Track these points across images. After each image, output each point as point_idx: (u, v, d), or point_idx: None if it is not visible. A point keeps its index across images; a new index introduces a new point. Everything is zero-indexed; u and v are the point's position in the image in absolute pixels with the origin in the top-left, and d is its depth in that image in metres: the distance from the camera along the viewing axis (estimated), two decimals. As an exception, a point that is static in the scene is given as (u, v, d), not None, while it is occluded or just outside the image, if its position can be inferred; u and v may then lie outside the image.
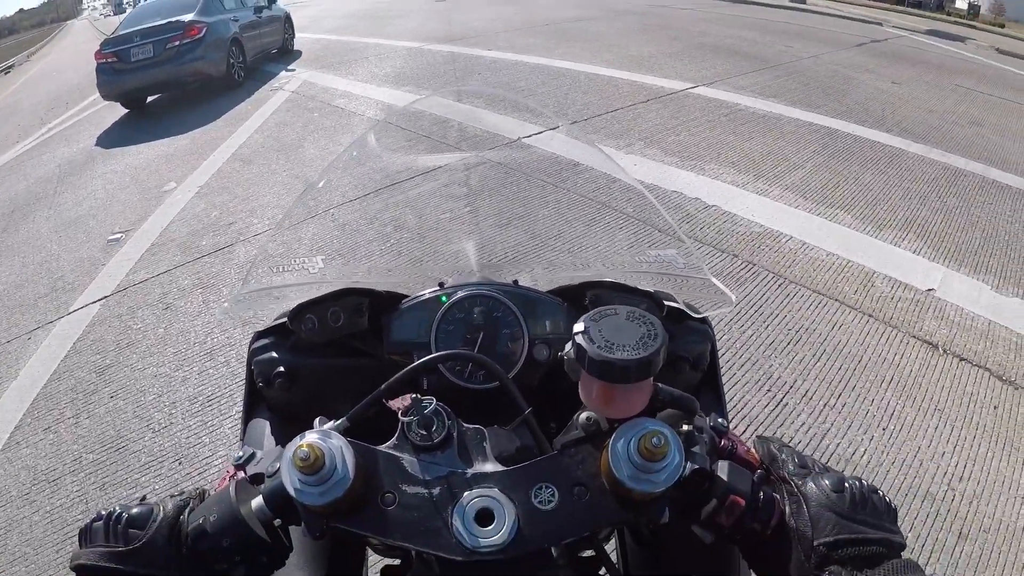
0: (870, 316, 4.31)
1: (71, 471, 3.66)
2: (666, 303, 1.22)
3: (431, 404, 0.91)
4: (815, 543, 0.79)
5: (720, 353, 3.77)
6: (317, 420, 0.91)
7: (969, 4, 69.11)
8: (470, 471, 0.87)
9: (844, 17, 24.23)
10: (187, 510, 0.89)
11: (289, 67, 14.77)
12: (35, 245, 7.07)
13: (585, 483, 0.84)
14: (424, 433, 0.89)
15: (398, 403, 0.95)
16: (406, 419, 0.91)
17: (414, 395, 0.93)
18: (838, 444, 3.27)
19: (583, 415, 0.92)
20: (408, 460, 0.88)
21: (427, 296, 1.26)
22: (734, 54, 12.80)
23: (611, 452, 0.82)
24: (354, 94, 11.06)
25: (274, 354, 1.28)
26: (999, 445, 3.36)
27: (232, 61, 13.32)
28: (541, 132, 7.72)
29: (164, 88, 13.21)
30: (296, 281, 1.39)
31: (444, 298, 1.24)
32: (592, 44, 14.39)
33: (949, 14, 55.85)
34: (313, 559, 1.10)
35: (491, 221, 1.67)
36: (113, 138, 11.54)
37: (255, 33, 14.94)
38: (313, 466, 0.79)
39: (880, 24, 22.62)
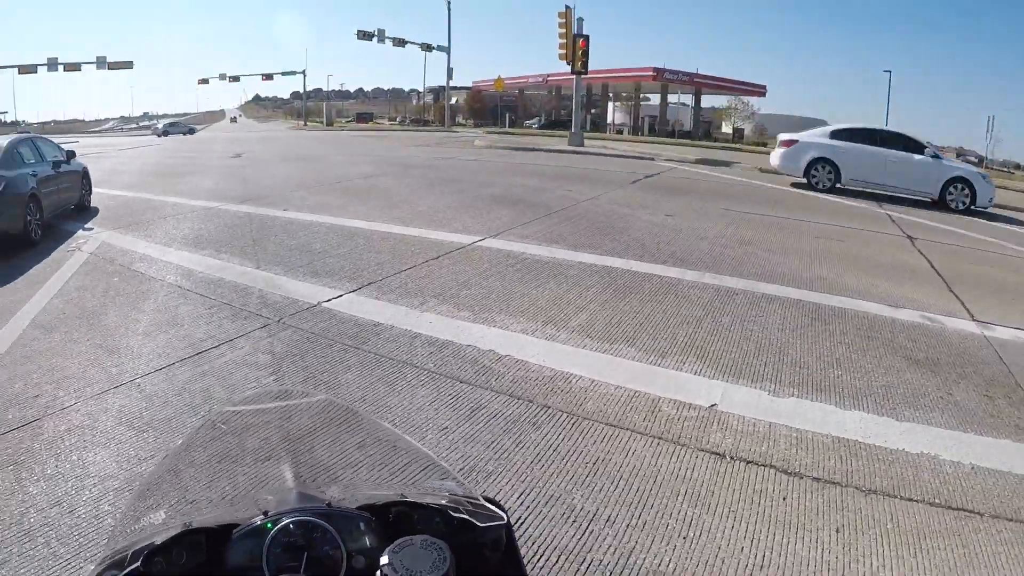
0: (659, 439, 4.65)
1: None
2: (454, 515, 1.37)
3: None
4: None
5: (525, 492, 4.03)
6: None
7: (733, 129, 74.69)
8: None
9: (619, 156, 25.80)
10: None
11: (87, 226, 14.23)
12: None
13: None
14: None
15: None
16: None
17: None
18: (644, 558, 3.49)
19: None
20: None
21: (254, 525, 1.35)
22: (518, 203, 13.52)
23: None
24: (153, 257, 10.87)
25: None
26: (793, 530, 3.70)
27: (29, 218, 12.69)
28: (340, 295, 7.97)
29: None
30: (143, 534, 1.46)
31: (269, 524, 1.34)
32: (383, 201, 14.89)
33: (716, 140, 60.11)
34: None
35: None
36: None
37: (53, 188, 14.41)
38: None
39: (652, 159, 24.07)
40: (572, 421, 4.98)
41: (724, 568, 3.44)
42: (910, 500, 4.09)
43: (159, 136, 78.17)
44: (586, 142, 33.74)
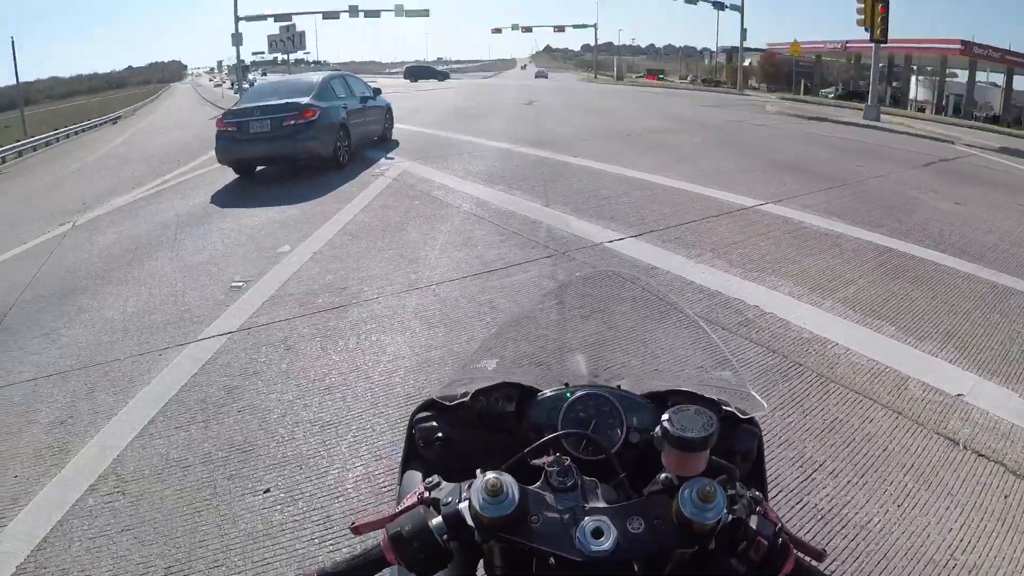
0: (899, 414, 4.80)
1: (201, 462, 4.36)
2: (723, 408, 1.59)
3: (567, 460, 1.30)
4: None
5: (762, 434, 4.38)
6: (479, 471, 1.23)
7: None
8: (588, 506, 1.23)
9: (916, 135, 24.22)
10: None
11: (389, 155, 15.88)
12: (161, 280, 8.03)
13: (662, 517, 1.19)
14: (560, 480, 1.26)
15: (539, 460, 1.34)
16: (549, 468, 1.28)
17: (556, 454, 1.34)
18: (855, 514, 3.76)
19: (662, 475, 1.28)
20: (548, 496, 1.24)
21: (556, 392, 1.67)
22: (804, 172, 13.42)
23: (680, 497, 1.17)
24: (450, 187, 11.94)
25: (434, 423, 1.67)
26: (1004, 527, 3.75)
27: (339, 144, 14.49)
28: (623, 239, 8.46)
29: (275, 161, 14.63)
30: (476, 376, 1.84)
31: (568, 394, 1.64)
32: (669, 157, 15.24)
33: None
34: (460, 565, 1.34)
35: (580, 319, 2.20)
36: (226, 199, 12.77)
37: (360, 120, 16.14)
38: (495, 490, 1.16)
39: (951, 142, 22.58)
40: (820, 381, 5.24)
41: (928, 541, 3.60)
42: None
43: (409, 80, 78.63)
44: (882, 117, 31.48)
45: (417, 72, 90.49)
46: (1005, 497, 4.03)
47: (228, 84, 73.31)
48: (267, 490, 4.05)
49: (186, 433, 4.72)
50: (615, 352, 2.16)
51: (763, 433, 1.65)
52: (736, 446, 1.57)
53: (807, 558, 1.23)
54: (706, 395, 1.62)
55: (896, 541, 3.60)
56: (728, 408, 1.60)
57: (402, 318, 6.38)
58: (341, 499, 3.93)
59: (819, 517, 3.75)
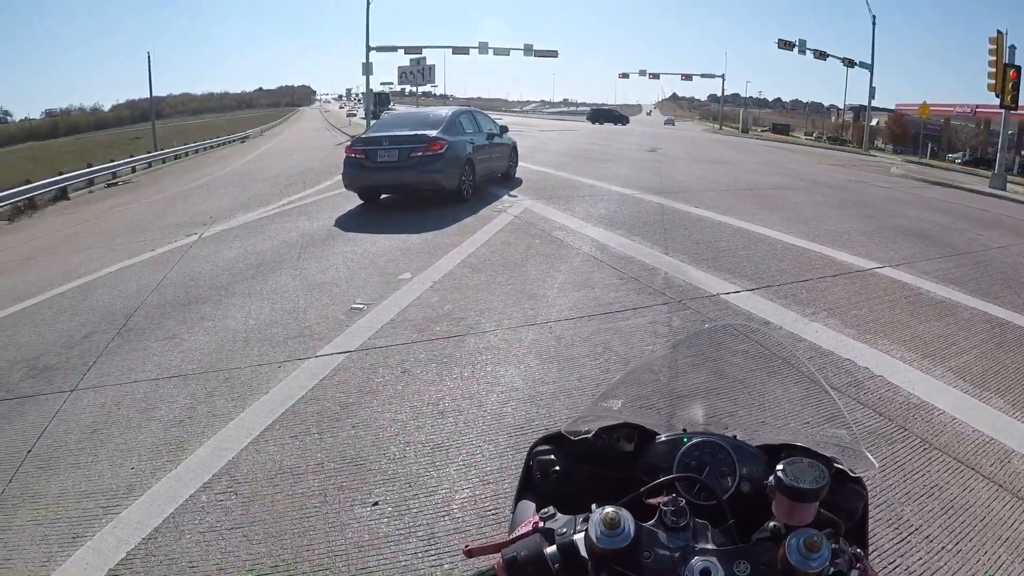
0: (1000, 486, 4.77)
1: (313, 471, 4.63)
2: (835, 465, 1.62)
3: (682, 502, 1.36)
4: None
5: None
6: (594, 505, 1.30)
7: None
8: (698, 546, 1.30)
9: (1043, 205, 23.56)
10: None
11: (512, 193, 16.20)
12: (283, 296, 8.47)
13: (768, 564, 1.24)
14: (674, 519, 1.32)
15: (655, 500, 1.41)
16: (664, 508, 1.34)
17: (673, 495, 1.41)
18: None
19: (771, 523, 1.34)
20: (661, 534, 1.30)
21: (674, 437, 1.75)
22: (924, 238, 13.16)
23: (787, 545, 1.21)
24: (571, 228, 12.17)
25: (552, 456, 1.75)
26: None
27: (464, 178, 14.89)
28: (739, 292, 8.56)
29: (401, 190, 15.13)
30: (601, 415, 1.94)
31: (686, 440, 1.71)
32: (791, 214, 15.14)
33: None
34: None
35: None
36: (349, 223, 13.30)
37: (486, 156, 16.52)
38: (613, 524, 1.22)
39: None
40: (923, 447, 5.25)
41: None
42: None
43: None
44: (1009, 186, 30.62)
45: (599, 115, 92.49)
46: (1102, 586, 4.01)
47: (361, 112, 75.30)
48: (376, 503, 4.29)
49: (300, 443, 5.03)
50: (727, 402, 2.30)
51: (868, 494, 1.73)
52: (842, 504, 1.61)
53: None
54: (818, 451, 1.67)
55: (987, 611, 3.62)
56: (839, 465, 1.65)
57: (517, 352, 6.60)
58: (447, 518, 4.14)
59: (911, 579, 3.80)
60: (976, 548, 4.13)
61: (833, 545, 1.27)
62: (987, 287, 10.01)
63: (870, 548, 3.93)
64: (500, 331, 7.10)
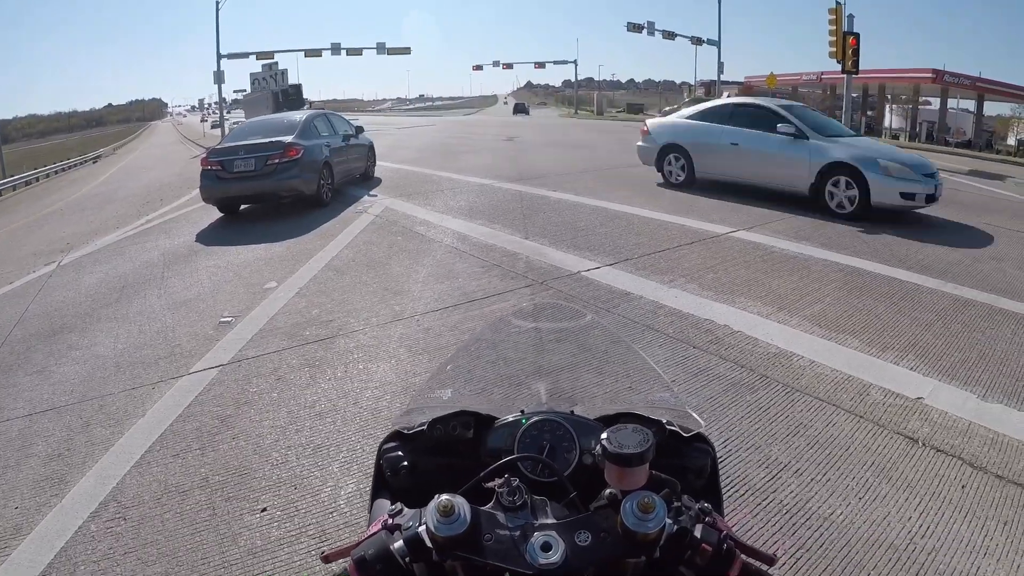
0: (861, 417, 5.08)
1: (199, 487, 4.53)
2: (668, 427, 1.71)
3: (516, 482, 1.37)
4: None
5: (730, 439, 4.64)
6: (437, 495, 1.29)
7: (1018, 141, 67.01)
8: (537, 522, 1.30)
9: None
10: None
11: (371, 192, 16.14)
12: (150, 317, 8.19)
13: (607, 530, 1.26)
14: (511, 500, 1.34)
15: (493, 484, 1.40)
16: (500, 490, 1.36)
17: (506, 475, 1.41)
18: (819, 507, 4.01)
19: (607, 491, 1.36)
20: (500, 515, 1.31)
21: (512, 419, 1.76)
22: (773, 201, 13.72)
23: (623, 509, 1.24)
24: (432, 223, 12.20)
25: (400, 453, 1.76)
26: (961, 514, 4.01)
27: (323, 182, 14.75)
28: (599, 267, 8.74)
29: (259, 199, 14.74)
30: (433, 404, 1.97)
31: (524, 420, 1.73)
32: (647, 189, 15.55)
33: (999, 152, 54.70)
34: None
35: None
36: (211, 237, 12.92)
37: (343, 159, 16.43)
38: (448, 511, 1.22)
39: None
40: (786, 391, 5.51)
41: (888, 529, 3.86)
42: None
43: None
44: None
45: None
46: (962, 487, 4.29)
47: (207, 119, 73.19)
48: (264, 509, 4.23)
49: (183, 460, 4.89)
50: (568, 380, 2.32)
51: (717, 449, 1.79)
52: (689, 463, 1.69)
53: (757, 563, 1.30)
54: (652, 416, 1.74)
55: (858, 530, 3.84)
56: (672, 427, 1.72)
57: (387, 347, 6.59)
58: (335, 514, 4.13)
59: (784, 512, 3.99)
60: (843, 475, 4.38)
61: (676, 503, 1.32)
62: (836, 239, 10.62)
63: (742, 488, 4.13)
64: (369, 329, 7.06)
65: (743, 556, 1.28)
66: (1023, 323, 7.22)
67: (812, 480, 4.31)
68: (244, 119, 34.41)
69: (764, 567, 1.31)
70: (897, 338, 6.65)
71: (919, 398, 5.43)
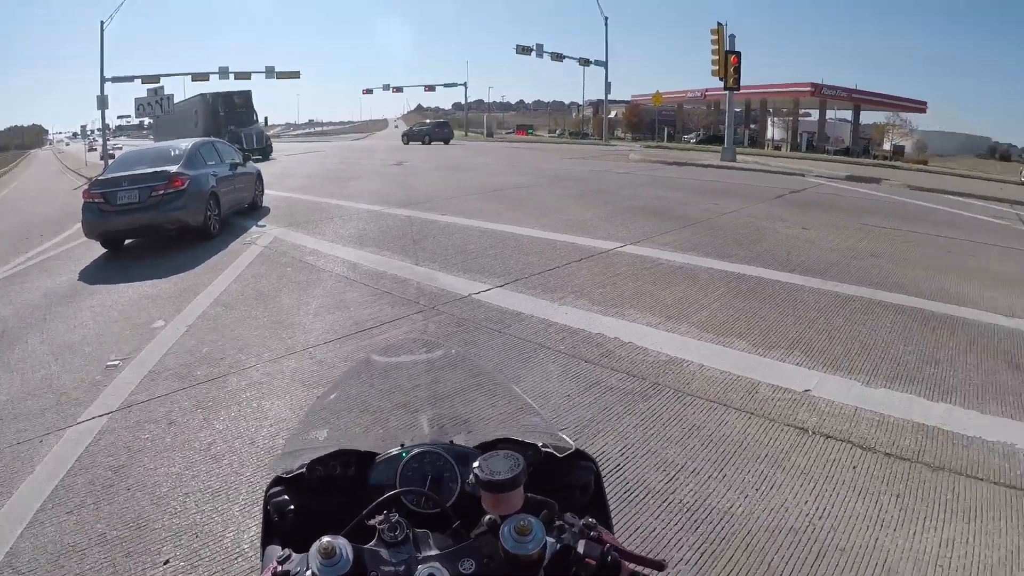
0: (752, 414, 5.26)
1: (97, 544, 4.30)
2: (543, 449, 1.76)
3: (395, 517, 1.40)
4: None
5: (627, 447, 4.71)
6: (319, 538, 1.29)
7: (892, 146, 71.12)
8: (421, 555, 1.35)
9: (770, 172, 25.71)
10: None
11: (260, 223, 15.77)
12: (33, 364, 7.74)
13: (490, 556, 1.30)
14: (392, 535, 1.36)
15: (374, 520, 1.42)
16: (380, 527, 1.38)
17: (386, 511, 1.43)
18: (719, 502, 4.11)
19: (486, 517, 1.39)
20: (383, 552, 1.33)
21: (393, 453, 1.78)
22: (660, 215, 14.13)
23: (501, 534, 1.28)
24: (322, 252, 12.02)
25: (286, 497, 1.75)
26: (855, 492, 4.21)
27: (209, 213, 14.22)
28: (489, 289, 8.78)
29: (145, 233, 14.02)
30: (310, 447, 2.00)
31: (404, 454, 1.75)
32: (535, 209, 15.77)
33: (875, 157, 57.43)
34: None
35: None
36: (94, 275, 12.35)
37: (230, 188, 15.95)
38: (329, 553, 1.24)
39: (802, 175, 24.04)
40: (677, 396, 5.63)
41: (787, 515, 4.00)
42: (975, 478, 4.42)
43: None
44: (739, 157, 33.58)
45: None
46: (854, 468, 4.52)
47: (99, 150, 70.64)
48: (167, 561, 4.07)
49: (78, 517, 4.66)
50: (448, 409, 2.35)
51: (600, 466, 1.83)
52: (573, 481, 1.75)
53: (645, 570, 1.34)
54: (527, 440, 1.79)
55: (758, 519, 3.97)
56: (548, 448, 1.78)
57: (281, 383, 6.46)
58: (239, 559, 4.01)
59: (685, 510, 4.07)
60: (739, 470, 4.51)
61: (557, 522, 1.37)
62: (721, 248, 10.99)
63: (640, 492, 4.20)
64: (261, 365, 6.91)
65: (630, 565, 1.33)
66: (901, 312, 7.64)
67: (709, 477, 4.41)
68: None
69: (654, 573, 1.35)
70: (782, 337, 6.91)
71: (806, 390, 5.67)
